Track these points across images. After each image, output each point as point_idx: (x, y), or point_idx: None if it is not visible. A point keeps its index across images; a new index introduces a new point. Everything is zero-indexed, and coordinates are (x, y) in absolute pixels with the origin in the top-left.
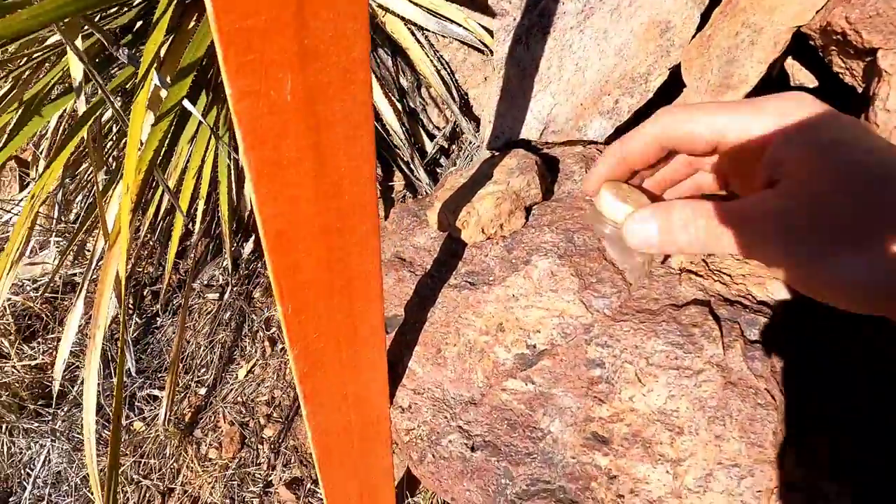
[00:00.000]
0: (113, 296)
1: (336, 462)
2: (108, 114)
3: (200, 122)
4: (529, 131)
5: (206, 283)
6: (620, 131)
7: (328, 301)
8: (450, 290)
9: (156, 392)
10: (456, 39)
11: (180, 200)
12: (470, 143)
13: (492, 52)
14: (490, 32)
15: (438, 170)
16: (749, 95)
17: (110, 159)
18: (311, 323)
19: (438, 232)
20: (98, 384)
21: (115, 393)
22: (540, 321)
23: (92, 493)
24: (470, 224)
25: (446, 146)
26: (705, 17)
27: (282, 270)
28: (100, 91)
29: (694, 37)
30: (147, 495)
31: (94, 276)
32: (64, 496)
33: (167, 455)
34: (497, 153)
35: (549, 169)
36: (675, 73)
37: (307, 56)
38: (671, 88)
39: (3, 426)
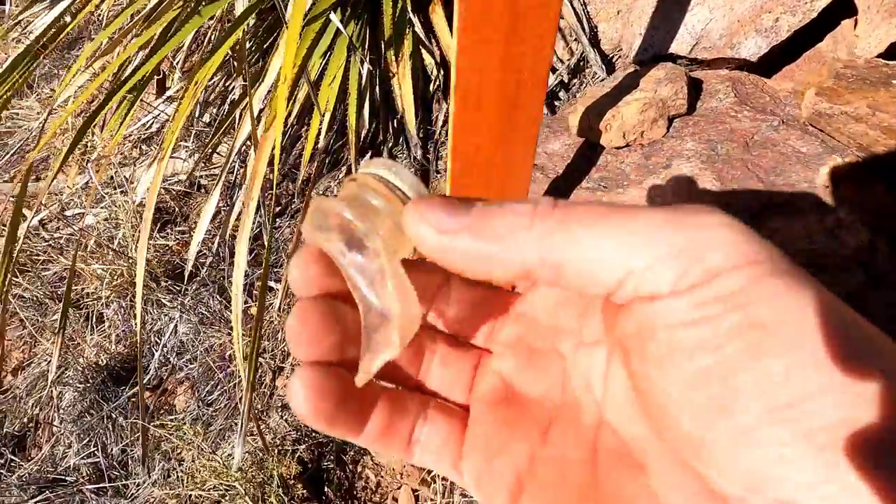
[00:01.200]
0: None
1: None
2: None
3: (335, 37)
4: (680, 46)
5: (322, 192)
6: (775, 51)
7: (491, 158)
8: (582, 191)
9: (272, 284)
10: None
11: (316, 109)
12: (594, 75)
13: None
14: None
15: (556, 103)
16: None
17: (248, 67)
18: (474, 186)
19: (572, 139)
20: (224, 270)
21: (264, 260)
22: None
23: (212, 363)
24: (612, 128)
25: (567, 80)
26: None
27: (461, 123)
28: None
29: None
30: (260, 371)
31: (232, 168)
32: (187, 363)
33: (279, 339)
34: (640, 68)
35: (693, 87)
36: None
37: None
38: (836, 12)
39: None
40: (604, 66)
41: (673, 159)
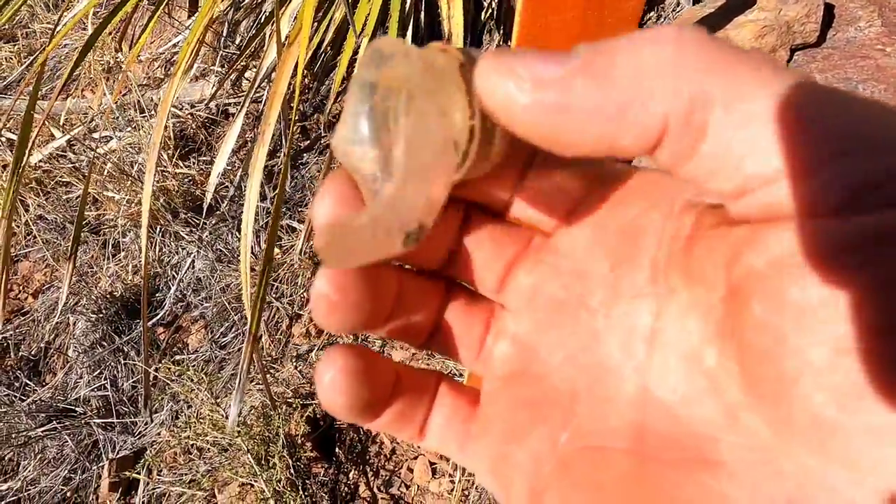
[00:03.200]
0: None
1: None
2: None
3: None
4: None
5: None
6: None
7: None
8: None
9: (295, 224)
10: None
11: (351, 30)
12: (678, 5)
13: None
14: None
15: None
16: None
17: None
18: None
19: None
20: (245, 203)
21: (276, 196)
22: None
23: (228, 304)
24: None
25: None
26: None
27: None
28: None
29: None
30: (276, 316)
31: (257, 95)
32: (203, 301)
33: (298, 284)
34: None
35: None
36: None
37: None
38: None
39: (159, 227)
40: None
41: None
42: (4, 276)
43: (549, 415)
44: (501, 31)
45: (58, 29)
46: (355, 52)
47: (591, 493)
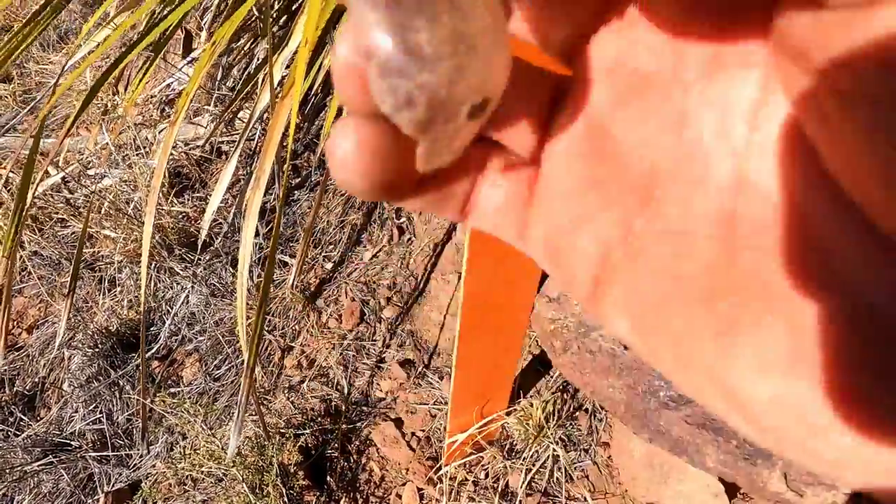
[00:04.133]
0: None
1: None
2: None
3: None
4: None
5: None
6: None
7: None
8: None
9: (286, 258)
10: None
11: None
12: None
13: None
14: None
15: None
16: None
17: (275, 29)
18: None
19: None
20: (238, 241)
21: (273, 233)
22: None
23: (222, 337)
24: None
25: None
26: None
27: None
28: None
29: None
30: (269, 348)
31: (251, 136)
32: (197, 335)
33: (290, 317)
34: None
35: None
36: None
37: None
38: None
39: (154, 263)
40: None
41: None
42: (6, 315)
43: (623, 198)
44: None
45: (59, 81)
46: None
47: (667, 282)
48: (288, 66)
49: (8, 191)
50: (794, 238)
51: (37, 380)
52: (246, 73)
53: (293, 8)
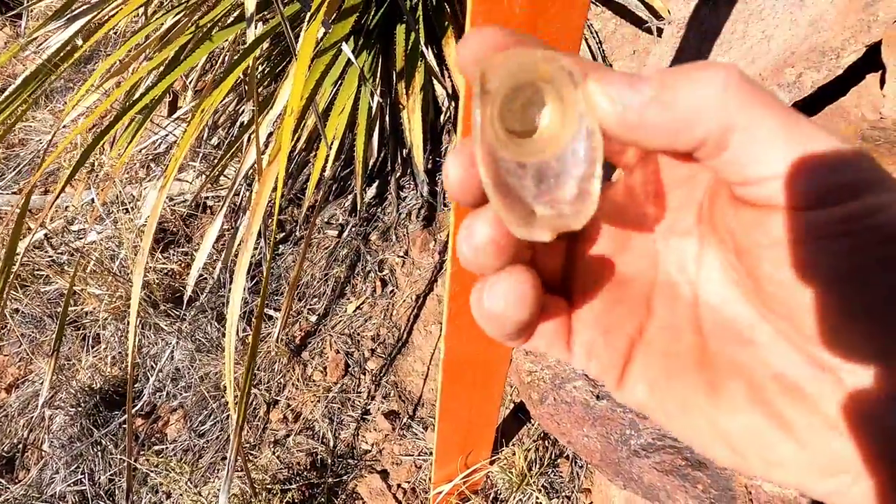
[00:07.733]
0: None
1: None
2: (259, 51)
3: (346, 66)
4: None
5: (326, 220)
6: (797, 106)
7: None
8: None
9: (271, 312)
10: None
11: (323, 140)
12: None
13: (660, 17)
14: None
15: None
16: None
17: (261, 89)
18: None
19: None
20: (224, 296)
21: (262, 288)
22: None
23: (207, 392)
24: None
25: None
26: None
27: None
28: (263, 25)
29: None
30: (254, 402)
31: (237, 192)
32: (182, 391)
33: (275, 370)
34: None
35: None
36: (873, 50)
37: None
38: (861, 67)
39: (139, 319)
40: None
41: None
42: None
43: (635, 308)
44: (457, 132)
45: (50, 149)
46: (327, 160)
47: (669, 358)
48: (274, 125)
49: None
50: (730, 330)
51: (16, 440)
52: (231, 132)
53: (277, 71)
